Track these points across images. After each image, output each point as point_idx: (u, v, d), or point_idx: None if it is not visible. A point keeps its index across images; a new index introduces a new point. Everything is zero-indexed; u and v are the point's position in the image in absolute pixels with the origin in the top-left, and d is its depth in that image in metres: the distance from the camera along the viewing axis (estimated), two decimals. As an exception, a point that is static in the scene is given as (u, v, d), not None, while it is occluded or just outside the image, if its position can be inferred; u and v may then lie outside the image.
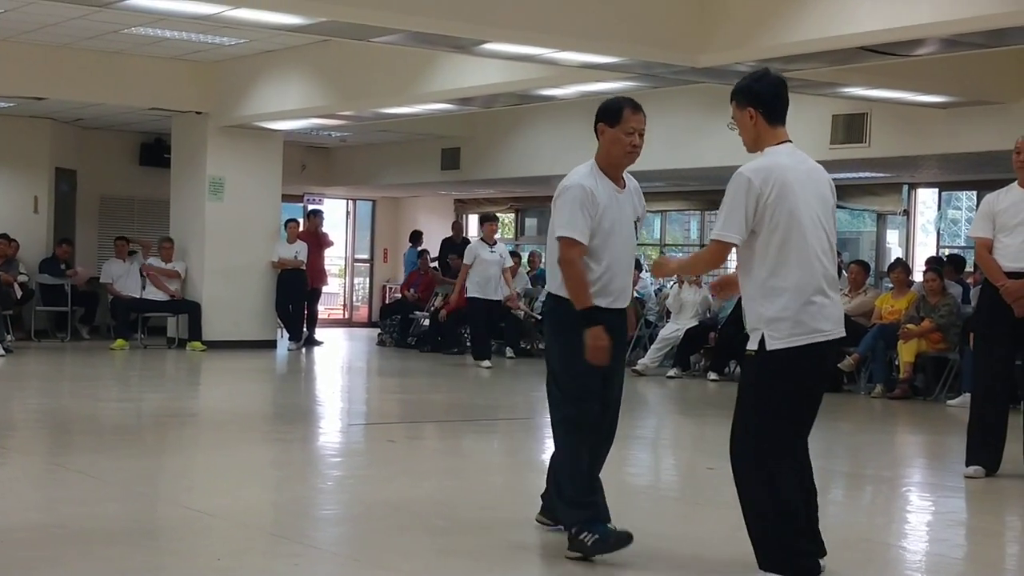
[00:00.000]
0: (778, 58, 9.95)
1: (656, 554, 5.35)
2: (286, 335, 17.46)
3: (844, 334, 4.83)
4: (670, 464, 8.69)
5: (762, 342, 4.72)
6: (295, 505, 6.55)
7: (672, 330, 14.37)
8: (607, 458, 5.56)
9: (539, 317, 16.81)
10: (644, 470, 8.24)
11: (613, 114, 5.39)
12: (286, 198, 18.52)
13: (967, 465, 7.52)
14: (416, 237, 21.17)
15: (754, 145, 4.90)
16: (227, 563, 5.17)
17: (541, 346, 17.04)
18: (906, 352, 12.25)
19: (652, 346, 14.55)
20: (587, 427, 5.36)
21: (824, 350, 4.75)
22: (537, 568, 5.27)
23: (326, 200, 22.69)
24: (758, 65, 10.40)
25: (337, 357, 16.86)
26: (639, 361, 14.30)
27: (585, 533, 5.18)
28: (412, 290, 19.15)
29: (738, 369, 13.60)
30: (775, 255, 4.71)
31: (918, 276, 13.58)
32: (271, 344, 16.96)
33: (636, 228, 5.48)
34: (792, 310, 4.69)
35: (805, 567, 4.75)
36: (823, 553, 4.91)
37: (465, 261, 15.05)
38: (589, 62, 10.71)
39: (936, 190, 17.13)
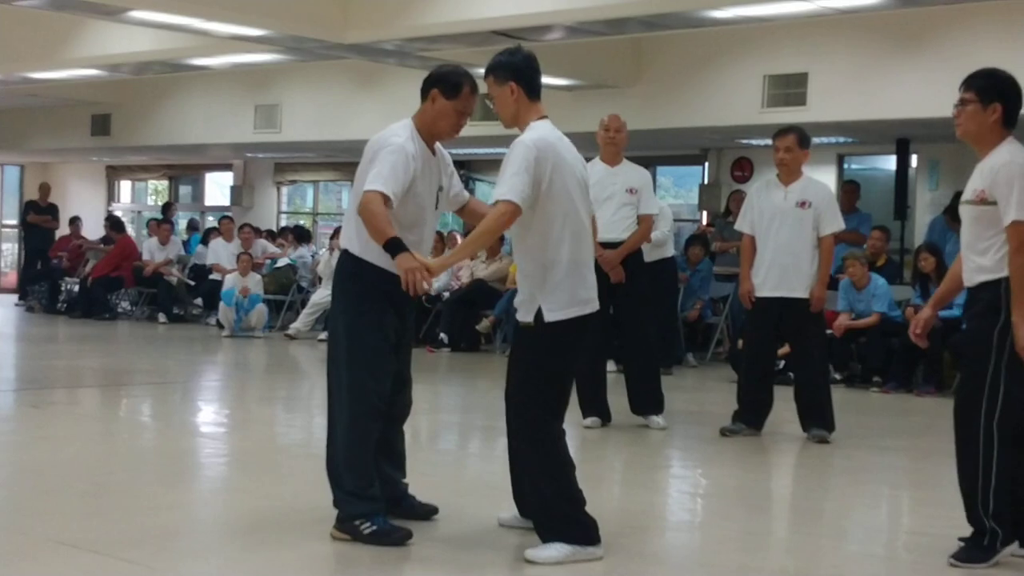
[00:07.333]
0: (420, 38, 10.44)
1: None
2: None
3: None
4: (319, 424, 9.04)
5: (539, 314, 4.74)
6: (-71, 472, 6.33)
7: (323, 295, 14.68)
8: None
9: (192, 283, 16.92)
10: (295, 430, 8.54)
11: (453, 87, 4.99)
12: (-76, 161, 17.75)
13: (584, 417, 8.25)
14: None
15: (513, 120, 4.86)
16: None
17: (195, 311, 17.12)
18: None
19: (304, 311, 14.93)
20: (377, 408, 4.91)
21: (589, 321, 4.85)
22: (179, 524, 5.32)
23: (-31, 164, 21.76)
24: (403, 44, 10.91)
25: (-19, 325, 16.31)
26: (291, 325, 14.69)
27: (364, 521, 4.85)
28: (62, 256, 18.75)
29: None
30: (555, 228, 4.71)
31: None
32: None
33: (437, 197, 5.11)
34: (568, 283, 4.73)
35: None
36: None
37: None
38: (239, 34, 10.90)
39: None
